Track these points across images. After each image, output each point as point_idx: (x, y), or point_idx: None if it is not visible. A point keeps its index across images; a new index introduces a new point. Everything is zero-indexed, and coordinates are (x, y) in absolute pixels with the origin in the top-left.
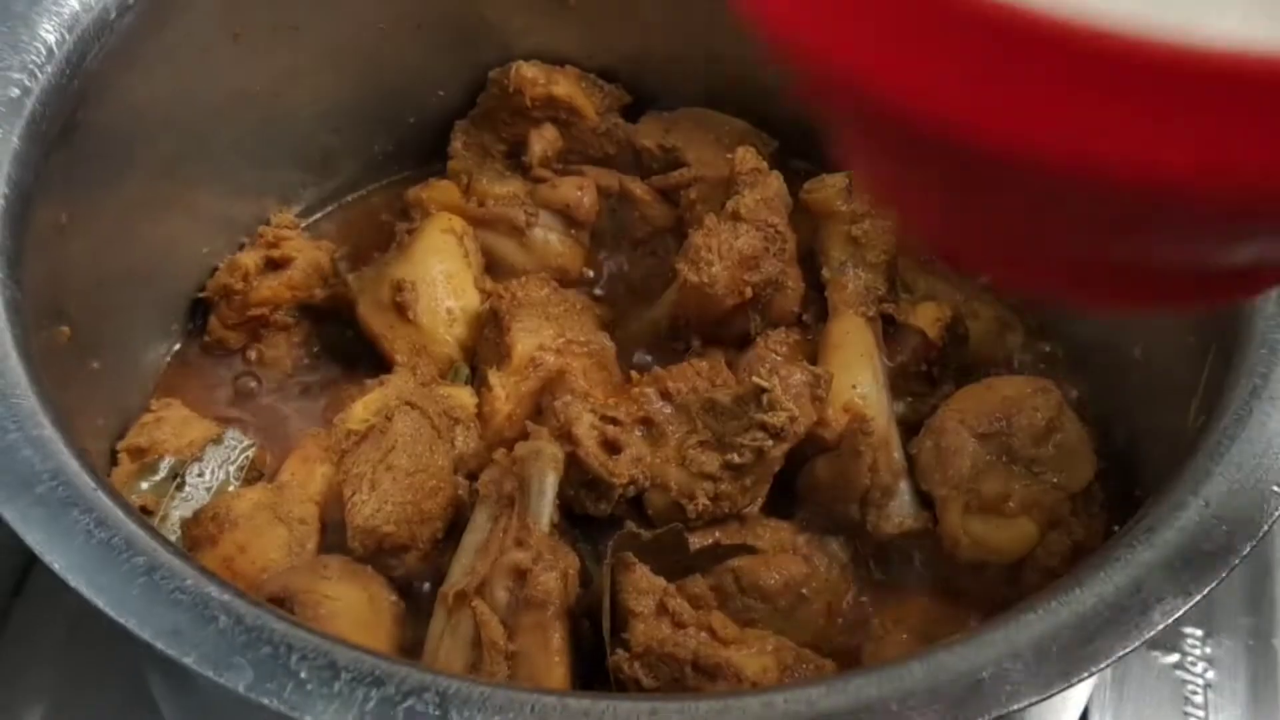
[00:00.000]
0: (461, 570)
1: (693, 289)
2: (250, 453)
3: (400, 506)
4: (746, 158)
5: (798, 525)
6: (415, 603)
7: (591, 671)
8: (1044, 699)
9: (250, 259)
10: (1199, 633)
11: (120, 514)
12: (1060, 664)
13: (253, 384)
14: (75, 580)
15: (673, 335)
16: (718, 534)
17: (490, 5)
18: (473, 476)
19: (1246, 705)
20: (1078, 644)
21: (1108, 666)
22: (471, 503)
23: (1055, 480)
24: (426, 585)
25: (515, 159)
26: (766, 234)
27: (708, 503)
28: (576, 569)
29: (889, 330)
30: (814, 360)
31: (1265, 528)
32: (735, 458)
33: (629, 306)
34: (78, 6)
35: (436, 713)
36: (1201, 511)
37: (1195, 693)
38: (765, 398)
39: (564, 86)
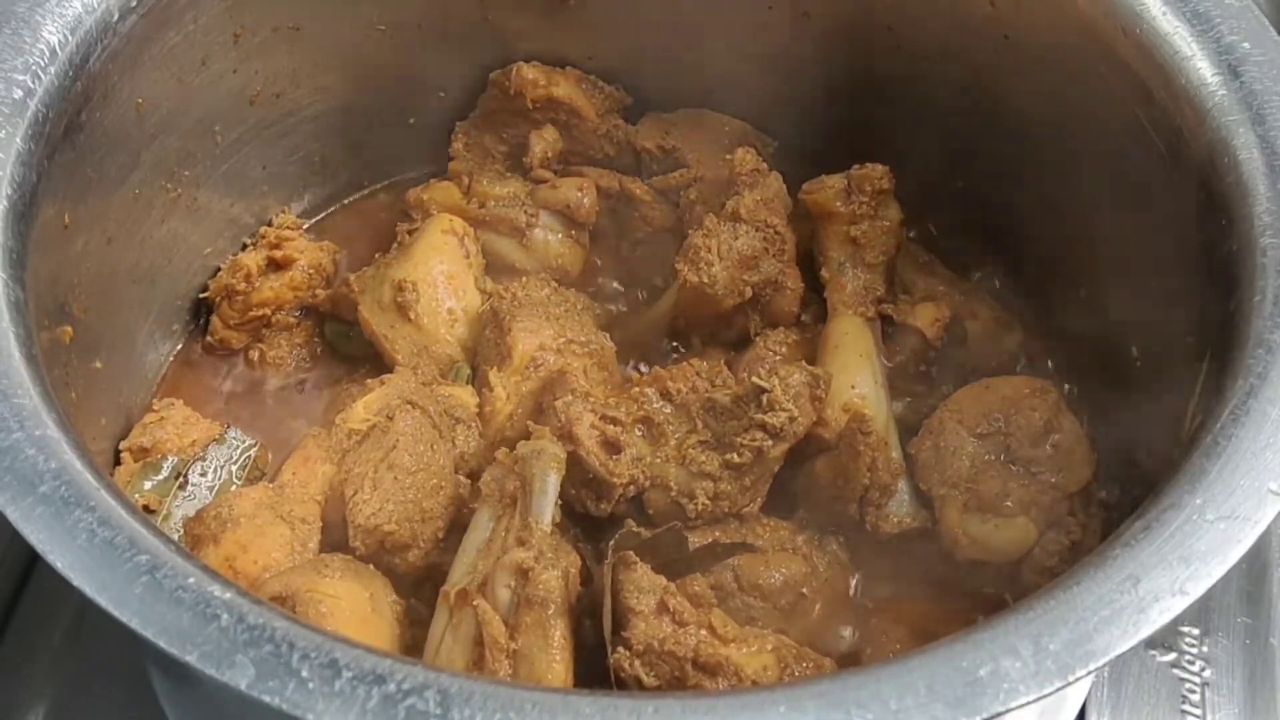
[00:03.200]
0: (463, 569)
1: (693, 289)
2: (252, 452)
3: (402, 505)
4: (746, 158)
5: (797, 525)
6: (417, 601)
7: (593, 670)
8: (1041, 697)
9: (252, 259)
10: (1196, 631)
11: (123, 513)
12: (1058, 662)
13: (255, 384)
14: (78, 579)
15: (673, 335)
16: (717, 533)
17: (491, 6)
18: (473, 476)
19: (1244, 704)
20: (1075, 642)
21: (1105, 665)
22: (473, 502)
23: (1053, 480)
24: (428, 584)
25: (516, 160)
26: (766, 234)
27: (707, 502)
28: (578, 568)
29: (888, 330)
30: (813, 360)
31: (1262, 527)
32: (735, 457)
33: (629, 306)
34: (80, 8)
35: (438, 711)
36: (1199, 511)
37: (1193, 691)
38: (765, 398)
39: (564, 88)
